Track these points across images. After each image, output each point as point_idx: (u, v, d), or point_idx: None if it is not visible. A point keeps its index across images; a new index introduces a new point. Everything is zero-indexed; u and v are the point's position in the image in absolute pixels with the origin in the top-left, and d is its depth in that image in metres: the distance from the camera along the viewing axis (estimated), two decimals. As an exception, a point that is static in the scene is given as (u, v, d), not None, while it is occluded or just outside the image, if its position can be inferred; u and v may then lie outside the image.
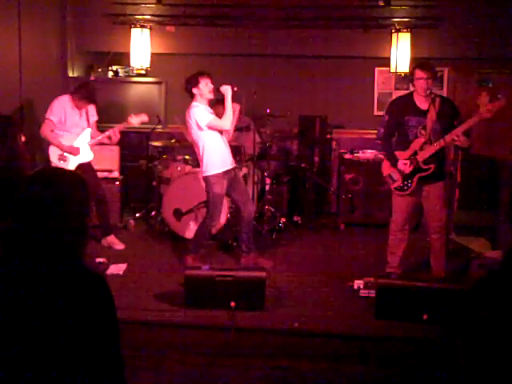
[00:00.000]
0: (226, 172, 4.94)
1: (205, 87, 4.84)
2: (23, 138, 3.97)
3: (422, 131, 4.48)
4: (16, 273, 1.60)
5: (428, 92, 4.46)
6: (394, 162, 4.59)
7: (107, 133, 5.49)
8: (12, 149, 3.69)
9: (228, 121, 4.83)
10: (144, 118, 5.57)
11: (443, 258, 4.67)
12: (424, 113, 4.49)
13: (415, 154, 4.51)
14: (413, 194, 4.60)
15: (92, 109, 5.55)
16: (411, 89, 4.80)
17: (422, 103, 4.53)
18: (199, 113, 4.82)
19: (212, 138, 4.87)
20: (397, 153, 4.61)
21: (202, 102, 4.89)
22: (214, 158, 4.89)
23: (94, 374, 1.60)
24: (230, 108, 4.82)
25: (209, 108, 4.95)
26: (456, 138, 4.34)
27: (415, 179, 4.53)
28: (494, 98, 4.35)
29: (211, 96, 4.91)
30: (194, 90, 4.86)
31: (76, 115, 5.43)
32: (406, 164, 4.52)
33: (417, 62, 4.82)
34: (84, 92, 5.39)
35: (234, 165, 5.10)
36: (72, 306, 1.59)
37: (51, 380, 1.55)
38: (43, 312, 1.57)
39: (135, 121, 5.52)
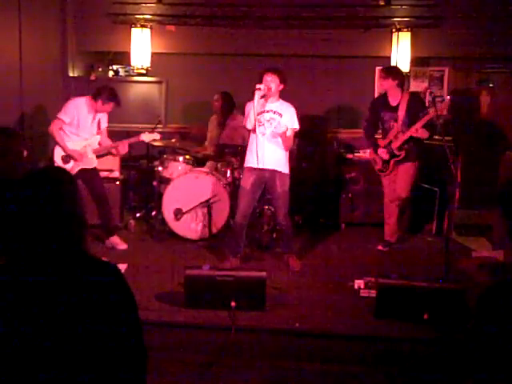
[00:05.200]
0: (256, 170, 4.91)
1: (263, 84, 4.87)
2: (25, 153, 3.91)
3: (394, 123, 5.40)
4: (31, 274, 1.60)
5: (395, 90, 5.37)
6: (375, 149, 5.58)
7: (117, 144, 5.55)
8: (12, 163, 3.63)
9: (246, 122, 4.88)
10: (156, 136, 5.64)
11: (396, 224, 5.65)
12: (395, 108, 5.40)
13: (390, 142, 5.44)
14: (392, 174, 5.55)
15: (104, 116, 5.54)
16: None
17: (393, 100, 5.43)
18: (245, 110, 4.94)
19: (250, 135, 4.98)
20: (380, 141, 5.57)
21: (263, 98, 4.85)
22: (248, 153, 5.00)
23: (117, 363, 1.63)
24: (254, 110, 4.76)
25: (259, 104, 4.83)
26: (415, 131, 5.22)
27: (392, 162, 5.49)
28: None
29: (265, 92, 4.85)
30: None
31: (89, 120, 5.40)
32: (383, 152, 5.50)
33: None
34: (108, 95, 5.32)
35: (271, 168, 4.92)
36: (93, 295, 1.60)
37: (78, 370, 1.58)
38: (67, 307, 1.58)
39: (147, 138, 5.60)
